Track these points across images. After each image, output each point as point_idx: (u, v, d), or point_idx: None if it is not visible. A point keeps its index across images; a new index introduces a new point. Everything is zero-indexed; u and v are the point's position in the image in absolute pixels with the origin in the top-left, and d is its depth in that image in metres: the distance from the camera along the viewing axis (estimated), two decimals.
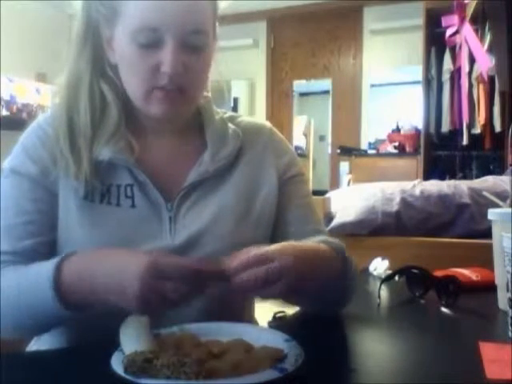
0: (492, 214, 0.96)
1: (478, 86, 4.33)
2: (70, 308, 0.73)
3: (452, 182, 2.49)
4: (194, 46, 0.82)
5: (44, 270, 0.74)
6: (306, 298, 0.83)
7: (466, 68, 4.32)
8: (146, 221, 0.84)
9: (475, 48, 3.97)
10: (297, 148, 6.08)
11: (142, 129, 0.90)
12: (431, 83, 4.74)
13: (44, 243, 0.83)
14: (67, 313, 0.73)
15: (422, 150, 4.73)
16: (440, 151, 4.75)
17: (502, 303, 0.92)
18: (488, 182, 2.48)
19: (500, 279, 0.94)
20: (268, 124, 1.01)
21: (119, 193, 0.84)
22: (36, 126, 0.88)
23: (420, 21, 4.67)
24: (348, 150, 5.32)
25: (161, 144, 0.91)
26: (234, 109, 5.61)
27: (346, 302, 0.89)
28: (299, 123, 6.32)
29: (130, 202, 0.84)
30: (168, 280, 0.66)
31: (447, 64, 4.60)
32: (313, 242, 0.84)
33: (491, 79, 4.16)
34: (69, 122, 0.85)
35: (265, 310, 1.02)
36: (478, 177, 3.68)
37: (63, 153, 0.83)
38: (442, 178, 3.51)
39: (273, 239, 0.94)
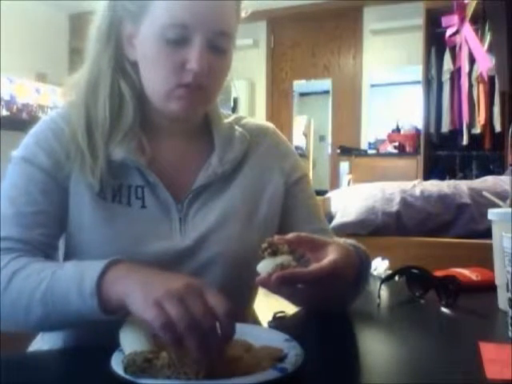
0: (492, 213, 0.96)
1: (478, 85, 4.34)
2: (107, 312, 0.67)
3: (452, 182, 2.49)
4: (219, 48, 0.83)
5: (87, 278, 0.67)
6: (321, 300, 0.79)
7: (466, 68, 4.33)
8: (156, 221, 0.85)
9: (475, 48, 3.97)
10: (297, 148, 6.08)
11: (154, 130, 0.90)
12: (431, 83, 4.75)
13: (51, 235, 0.83)
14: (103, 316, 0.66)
15: (421, 150, 4.73)
16: (440, 151, 4.76)
17: (502, 303, 0.92)
18: (488, 181, 2.49)
19: (500, 279, 0.94)
20: (271, 125, 1.01)
21: (130, 193, 0.85)
22: (49, 120, 0.88)
23: (420, 21, 4.67)
24: (348, 150, 5.32)
25: (171, 145, 0.91)
26: (234, 109, 5.62)
27: (356, 299, 0.89)
28: (299, 123, 6.32)
29: (141, 202, 0.84)
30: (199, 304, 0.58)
31: (447, 64, 4.61)
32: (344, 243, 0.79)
33: (491, 79, 4.17)
34: (87, 116, 0.85)
35: (265, 310, 1.02)
36: (478, 177, 3.68)
37: (80, 147, 0.83)
38: (442, 178, 3.51)
39: None
